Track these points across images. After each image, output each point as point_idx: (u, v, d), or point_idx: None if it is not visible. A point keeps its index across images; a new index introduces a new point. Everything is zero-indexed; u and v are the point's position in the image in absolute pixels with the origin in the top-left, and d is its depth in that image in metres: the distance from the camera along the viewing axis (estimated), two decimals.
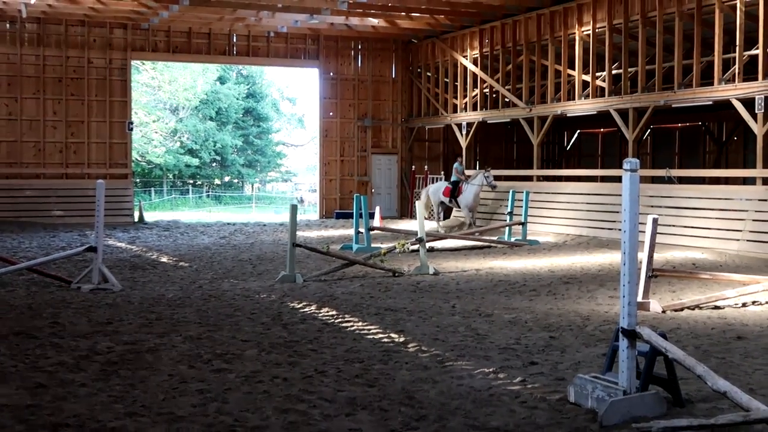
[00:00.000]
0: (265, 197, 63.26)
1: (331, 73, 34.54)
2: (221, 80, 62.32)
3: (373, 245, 20.29)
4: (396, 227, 26.01)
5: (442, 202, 27.51)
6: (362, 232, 20.57)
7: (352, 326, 10.78)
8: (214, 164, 63.87)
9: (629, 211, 7.02)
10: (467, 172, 27.49)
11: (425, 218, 24.63)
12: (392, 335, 10.19)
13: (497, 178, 30.76)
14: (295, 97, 73.33)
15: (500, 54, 29.70)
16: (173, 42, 32.47)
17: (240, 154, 64.74)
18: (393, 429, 6.54)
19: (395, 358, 8.96)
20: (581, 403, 7.18)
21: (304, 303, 12.56)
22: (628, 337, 7.00)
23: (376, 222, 26.01)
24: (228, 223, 31.82)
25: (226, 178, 66.05)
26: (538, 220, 25.87)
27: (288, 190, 71.09)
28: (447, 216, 29.59)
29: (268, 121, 67.76)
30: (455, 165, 27.66)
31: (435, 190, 27.78)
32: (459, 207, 26.69)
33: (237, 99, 62.48)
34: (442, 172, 33.95)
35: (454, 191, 26.52)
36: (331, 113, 34.60)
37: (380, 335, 10.21)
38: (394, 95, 35.32)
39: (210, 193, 61.52)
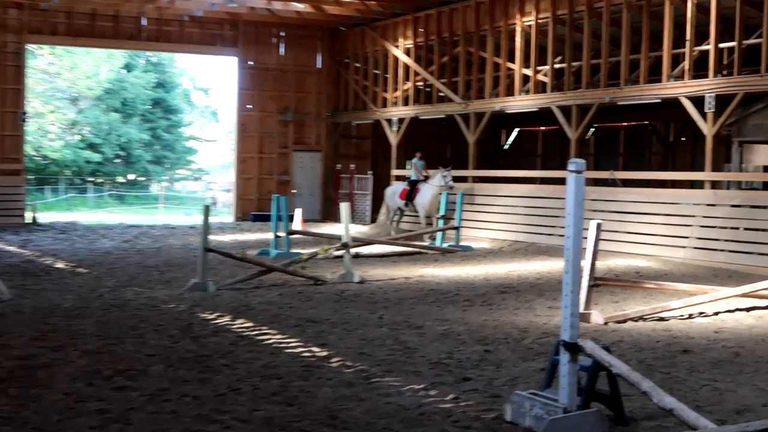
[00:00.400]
0: (173, 197, 62.53)
1: (251, 62, 34.35)
2: (128, 68, 61.53)
3: (293, 251, 20.21)
4: (319, 231, 25.96)
5: (399, 208, 26.77)
6: (281, 237, 20.49)
7: (270, 339, 10.71)
8: (117, 160, 62.95)
9: (573, 216, 7.11)
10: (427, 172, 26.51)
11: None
12: (314, 349, 10.15)
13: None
14: (208, 88, 72.83)
15: (435, 45, 29.89)
16: (75, 24, 31.93)
17: (147, 149, 63.94)
18: None
19: (317, 374, 8.93)
20: (518, 421, 7.24)
21: (217, 314, 12.43)
22: (569, 351, 7.08)
23: (297, 225, 25.90)
24: (132, 226, 31.39)
25: (131, 176, 65.16)
26: (473, 224, 26.09)
27: (199, 189, 70.36)
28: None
29: (179, 113, 67.08)
30: (414, 161, 26.62)
31: (392, 193, 27.25)
32: (416, 210, 26.06)
33: (145, 89, 61.72)
34: (370, 172, 33.98)
35: (411, 193, 25.90)
36: (249, 106, 34.41)
37: (300, 349, 10.16)
38: (319, 87, 35.28)
39: (112, 192, 60.63)
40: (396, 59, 31.71)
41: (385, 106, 32.31)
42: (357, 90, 34.15)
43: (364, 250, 21.56)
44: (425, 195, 25.31)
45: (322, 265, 18.15)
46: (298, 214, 26.95)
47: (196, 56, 54.89)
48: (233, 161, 35.78)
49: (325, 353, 9.93)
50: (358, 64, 34.35)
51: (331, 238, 20.94)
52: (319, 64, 35.31)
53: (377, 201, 32.60)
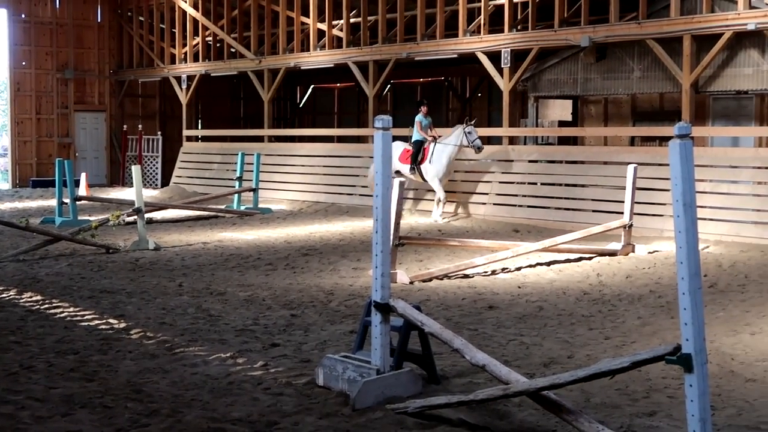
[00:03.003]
0: None
1: (23, 15, 32.81)
2: None
3: (80, 218, 19.63)
4: (107, 196, 25.31)
5: (398, 172, 20.89)
6: (67, 203, 19.83)
7: (62, 312, 10.42)
8: None
9: (381, 174, 7.22)
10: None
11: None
12: (111, 321, 9.96)
13: (222, 139, 30.71)
14: None
15: None
16: None
17: None
18: (120, 428, 6.40)
19: (117, 347, 8.77)
20: (331, 385, 7.35)
21: (1, 287, 12.01)
22: (381, 312, 7.22)
23: (83, 191, 25.17)
24: None
25: None
26: (271, 185, 26.06)
27: None
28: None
29: None
30: (418, 117, 21.26)
31: None
32: (423, 178, 20.97)
33: None
34: (159, 132, 33.30)
35: (417, 155, 20.96)
36: (23, 63, 32.92)
37: (97, 321, 9.94)
38: (101, 43, 34.12)
39: None
40: (183, 13, 31.06)
41: (173, 63, 31.64)
42: (142, 45, 33.26)
43: (158, 215, 21.19)
44: (438, 157, 20.48)
45: (113, 232, 17.70)
46: (83, 178, 26.18)
47: None
48: (8, 123, 34.22)
49: (123, 325, 9.76)
50: (142, 18, 33.43)
51: (122, 204, 20.44)
52: (99, 17, 34.11)
53: (168, 163, 32.04)
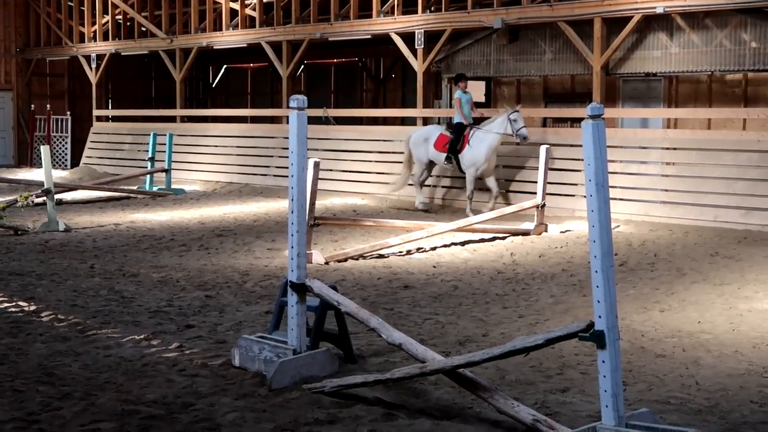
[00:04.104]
0: None
1: None
2: None
3: None
4: (15, 177, 24.74)
5: (431, 162, 18.76)
6: None
7: None
8: None
9: (297, 154, 7.21)
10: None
11: (408, 183, 19.12)
12: (21, 303, 9.78)
13: (134, 119, 30.26)
14: None
15: None
16: None
17: None
18: (31, 412, 6.30)
19: (27, 330, 8.61)
20: (247, 366, 7.33)
21: None
22: (297, 292, 7.21)
23: None
24: None
25: None
26: (184, 166, 25.77)
27: None
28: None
29: None
30: (458, 94, 18.57)
31: (419, 141, 18.86)
32: (461, 169, 18.24)
33: None
34: (68, 112, 32.64)
35: (456, 143, 18.07)
36: None
37: (6, 304, 9.75)
38: (7, 21, 33.21)
39: None
40: None
41: (82, 41, 31.00)
42: (50, 23, 32.48)
43: (68, 196, 20.84)
44: (479, 147, 17.72)
45: (21, 213, 17.34)
46: None
47: None
48: None
49: (33, 307, 9.59)
50: None
51: (30, 185, 20.00)
52: None
53: (78, 144, 31.45)
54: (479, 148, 17.64)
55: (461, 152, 17.88)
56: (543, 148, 15.53)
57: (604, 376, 5.44)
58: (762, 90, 19.07)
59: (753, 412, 6.39)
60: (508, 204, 17.29)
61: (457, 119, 18.38)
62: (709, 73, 18.84)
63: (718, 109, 18.95)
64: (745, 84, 19.18)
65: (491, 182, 17.96)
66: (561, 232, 15.42)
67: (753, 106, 18.75)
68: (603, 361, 5.44)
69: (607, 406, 5.45)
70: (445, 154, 18.14)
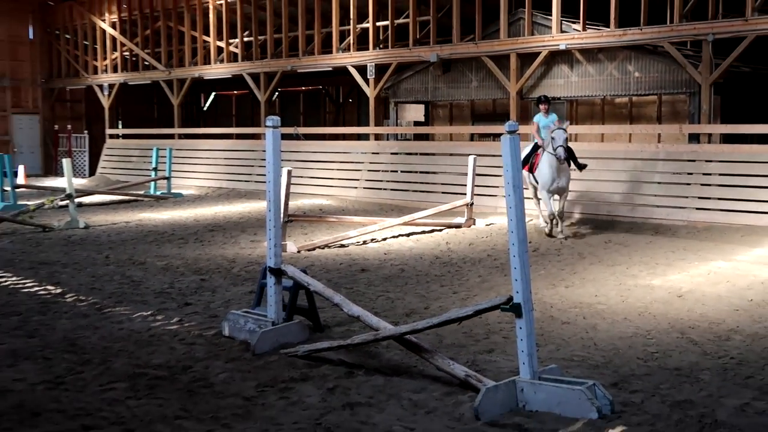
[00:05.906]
0: None
1: None
2: None
3: (20, 203, 18.86)
4: (42, 184, 24.32)
5: (533, 184, 14.67)
6: (8, 190, 19.04)
7: (7, 281, 10.05)
8: None
9: (273, 164, 7.18)
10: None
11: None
12: (48, 287, 9.65)
13: (140, 137, 29.90)
14: None
15: (139, 19, 28.63)
16: None
17: None
18: (58, 375, 6.24)
19: (54, 309, 8.51)
20: (235, 336, 7.30)
21: None
22: (274, 275, 7.20)
23: (21, 180, 24.14)
24: None
25: None
26: (181, 174, 25.50)
27: None
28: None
29: None
30: (536, 118, 14.62)
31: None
32: (536, 185, 14.60)
33: None
34: (86, 131, 32.17)
35: (527, 161, 14.43)
36: None
37: (36, 288, 9.62)
38: (33, 56, 32.67)
39: None
40: (103, 31, 30.03)
41: (96, 73, 30.59)
42: (69, 59, 31.99)
43: (86, 199, 20.55)
44: (542, 167, 14.00)
45: (48, 214, 17.09)
46: (21, 169, 25.13)
47: None
48: None
49: (59, 290, 9.47)
50: (68, 36, 32.15)
51: (55, 190, 19.70)
52: (31, 35, 32.67)
53: (94, 157, 31.06)
54: (542, 171, 13.94)
55: (536, 170, 14.22)
56: (471, 158, 15.58)
57: (521, 340, 5.49)
58: (644, 110, 19.31)
59: (639, 366, 6.48)
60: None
61: (540, 136, 14.37)
62: (602, 97, 19.03)
63: (609, 126, 19.13)
64: (631, 106, 19.39)
65: (559, 203, 14.21)
66: (486, 225, 15.49)
67: (636, 123, 18.98)
68: (520, 328, 5.49)
69: (524, 363, 5.51)
70: (527, 173, 14.49)
